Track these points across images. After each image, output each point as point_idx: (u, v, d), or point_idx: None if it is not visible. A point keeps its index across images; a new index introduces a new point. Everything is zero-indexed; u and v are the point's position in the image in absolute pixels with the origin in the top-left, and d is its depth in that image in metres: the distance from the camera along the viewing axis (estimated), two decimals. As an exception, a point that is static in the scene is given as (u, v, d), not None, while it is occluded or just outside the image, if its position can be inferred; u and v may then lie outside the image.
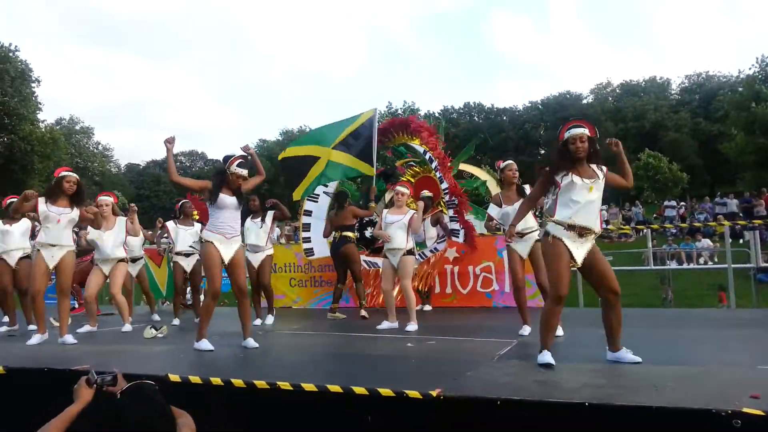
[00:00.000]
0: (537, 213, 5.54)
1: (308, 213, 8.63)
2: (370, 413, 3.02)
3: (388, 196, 8.98)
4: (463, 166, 10.17)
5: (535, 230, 5.18)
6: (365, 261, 8.21)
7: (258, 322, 6.71)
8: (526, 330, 5.19)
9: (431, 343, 4.85)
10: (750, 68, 33.41)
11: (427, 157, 8.16)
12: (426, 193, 8.26)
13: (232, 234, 4.83)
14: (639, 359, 3.60)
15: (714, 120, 40.54)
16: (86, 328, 6.33)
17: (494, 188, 9.24)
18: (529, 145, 49.13)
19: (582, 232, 3.65)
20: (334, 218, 7.46)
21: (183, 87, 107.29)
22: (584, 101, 50.78)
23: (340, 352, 4.87)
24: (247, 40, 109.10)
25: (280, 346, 5.40)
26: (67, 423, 2.34)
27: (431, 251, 8.10)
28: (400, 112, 43.05)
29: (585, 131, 3.71)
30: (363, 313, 7.09)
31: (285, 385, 3.22)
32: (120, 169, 58.73)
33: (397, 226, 6.13)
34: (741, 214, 17.92)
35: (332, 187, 8.41)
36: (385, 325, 5.96)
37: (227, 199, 4.77)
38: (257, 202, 7.03)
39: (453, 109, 53.69)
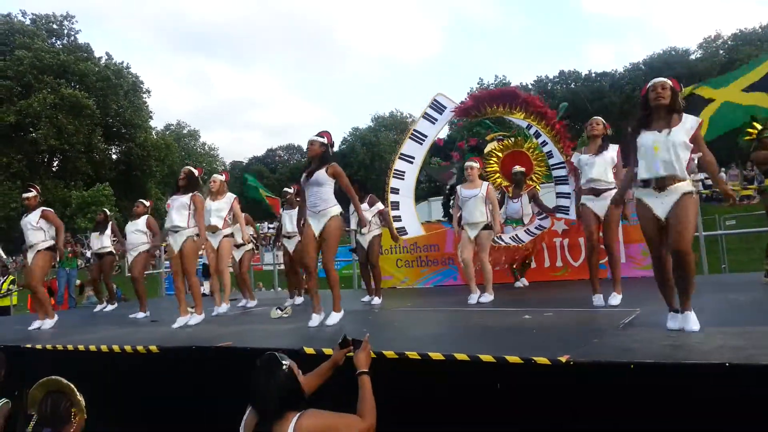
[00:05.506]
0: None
1: (395, 191, 7.63)
2: (499, 381, 3.08)
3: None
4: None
5: (612, 189, 4.96)
6: None
7: (367, 298, 6.96)
8: (616, 299, 4.96)
9: (549, 315, 4.81)
10: None
11: (532, 131, 7.66)
12: (518, 168, 7.98)
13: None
14: (696, 328, 3.44)
15: None
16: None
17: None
18: (635, 108, 46.08)
19: (660, 185, 3.59)
20: None
21: (271, 86, 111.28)
22: (692, 56, 47.08)
23: (459, 326, 4.95)
24: (327, 35, 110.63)
25: (400, 322, 5.55)
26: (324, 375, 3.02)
27: (537, 228, 7.71)
28: (492, 86, 42.19)
29: (666, 80, 3.70)
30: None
31: (413, 354, 3.35)
32: (226, 167, 62.14)
33: (473, 200, 6.16)
34: None
35: None
36: (472, 299, 6.06)
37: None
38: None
39: (548, 79, 51.77)
